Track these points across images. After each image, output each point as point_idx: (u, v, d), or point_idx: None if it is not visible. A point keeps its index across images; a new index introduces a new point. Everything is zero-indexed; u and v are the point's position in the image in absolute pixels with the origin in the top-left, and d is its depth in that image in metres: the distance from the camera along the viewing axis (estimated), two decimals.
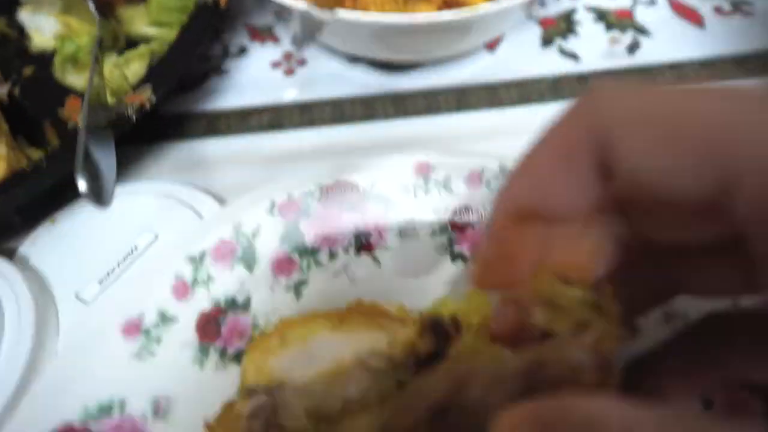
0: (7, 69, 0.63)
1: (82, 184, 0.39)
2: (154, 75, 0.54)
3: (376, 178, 0.47)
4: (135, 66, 0.62)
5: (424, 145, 0.60)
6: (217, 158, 0.61)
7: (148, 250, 0.51)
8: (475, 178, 0.47)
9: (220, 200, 0.56)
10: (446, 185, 0.47)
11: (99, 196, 0.40)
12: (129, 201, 0.54)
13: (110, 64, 0.62)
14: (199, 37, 0.57)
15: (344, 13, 0.54)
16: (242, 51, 0.71)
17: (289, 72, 0.68)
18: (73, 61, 0.63)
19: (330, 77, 0.67)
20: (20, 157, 0.53)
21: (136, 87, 0.53)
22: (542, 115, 0.29)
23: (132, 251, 0.51)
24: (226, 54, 0.70)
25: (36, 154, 0.56)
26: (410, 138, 0.61)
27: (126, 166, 0.58)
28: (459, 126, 0.62)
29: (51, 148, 0.56)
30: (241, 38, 0.72)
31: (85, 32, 0.66)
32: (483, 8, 0.54)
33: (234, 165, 0.60)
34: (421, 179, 0.47)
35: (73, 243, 0.52)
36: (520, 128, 0.55)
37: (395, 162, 0.48)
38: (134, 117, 0.51)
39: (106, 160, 0.43)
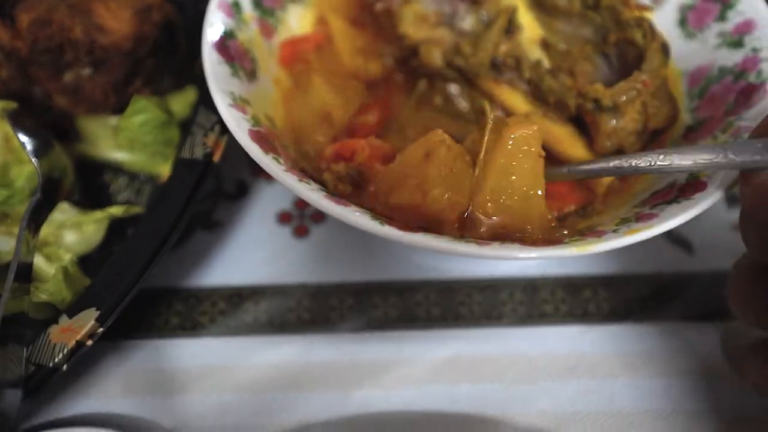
0: None
1: None
2: (104, 286, 0.37)
3: None
4: (90, 231, 0.44)
5: (481, 374, 0.43)
6: (191, 373, 0.43)
7: None
8: None
9: None
10: None
11: None
12: None
13: (53, 225, 0.44)
14: (179, 215, 0.40)
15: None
16: (241, 191, 0.53)
17: (301, 231, 0.51)
18: (3, 213, 0.45)
19: (356, 247, 0.49)
20: None
21: (76, 305, 0.36)
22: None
23: None
24: (219, 193, 0.53)
25: None
26: (461, 364, 0.44)
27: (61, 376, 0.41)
28: (530, 349, 0.45)
29: None
30: (241, 172, 0.54)
31: (27, 159, 0.48)
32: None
33: (212, 386, 0.43)
34: None
35: None
36: (617, 363, 0.39)
37: None
38: (64, 365, 0.34)
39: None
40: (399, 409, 0.43)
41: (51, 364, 0.33)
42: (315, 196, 0.36)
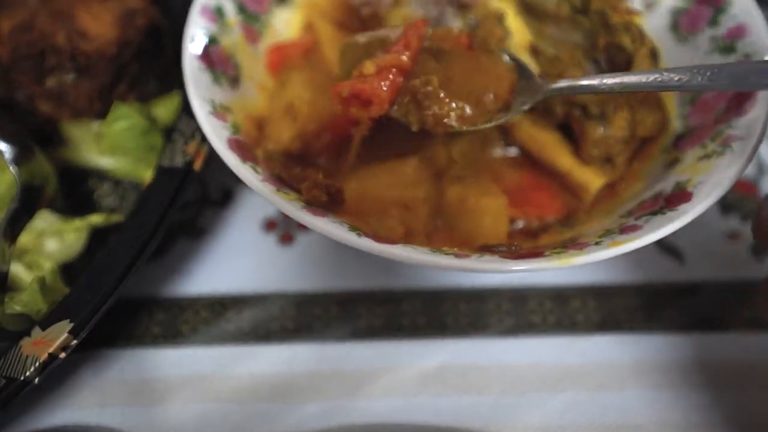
0: None
1: None
2: (78, 301, 0.36)
3: None
4: (70, 239, 0.44)
5: (466, 386, 0.43)
6: (171, 383, 0.43)
7: None
8: None
9: None
10: None
11: None
12: None
13: (33, 232, 0.44)
14: (158, 224, 0.39)
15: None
16: (226, 197, 0.52)
17: (286, 239, 0.50)
18: None
19: (342, 255, 0.48)
20: None
21: (50, 317, 0.35)
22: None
23: None
24: (204, 200, 0.52)
25: None
26: (446, 376, 0.43)
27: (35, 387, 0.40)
28: (516, 361, 0.44)
29: None
30: (225, 178, 0.53)
31: (7, 169, 0.48)
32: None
33: (192, 397, 0.42)
34: None
35: None
36: (605, 375, 0.40)
37: None
38: (36, 378, 0.33)
39: None
40: (383, 420, 0.42)
41: (22, 378, 0.33)
42: (290, 206, 0.36)
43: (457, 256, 0.34)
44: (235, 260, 0.49)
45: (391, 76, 0.38)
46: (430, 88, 0.37)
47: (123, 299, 0.46)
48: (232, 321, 0.45)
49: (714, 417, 0.42)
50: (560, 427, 0.42)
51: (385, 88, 0.37)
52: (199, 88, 0.41)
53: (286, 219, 0.51)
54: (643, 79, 0.37)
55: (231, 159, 0.37)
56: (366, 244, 0.34)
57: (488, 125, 0.39)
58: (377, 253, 0.34)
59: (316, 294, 0.47)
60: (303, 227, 0.50)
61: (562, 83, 0.40)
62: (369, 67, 0.38)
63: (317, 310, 0.46)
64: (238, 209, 0.51)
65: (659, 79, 0.37)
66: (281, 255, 0.49)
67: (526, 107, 0.40)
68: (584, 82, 0.39)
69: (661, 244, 0.49)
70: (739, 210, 0.51)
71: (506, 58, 0.41)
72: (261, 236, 0.50)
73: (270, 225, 0.51)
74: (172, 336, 0.45)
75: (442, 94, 0.38)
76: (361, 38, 0.42)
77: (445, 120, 0.38)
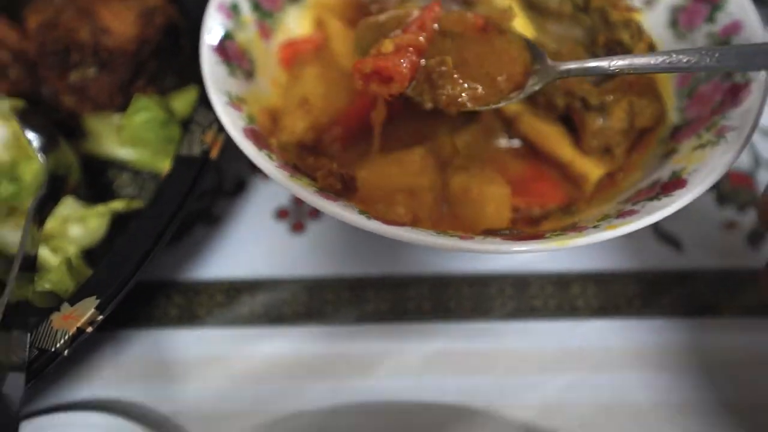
0: None
1: None
2: (103, 276, 0.38)
3: None
4: (93, 225, 0.46)
5: (470, 367, 0.45)
6: (189, 362, 0.45)
7: None
8: None
9: None
10: None
11: None
12: None
13: (58, 219, 0.46)
14: (178, 209, 0.41)
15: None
16: (240, 187, 0.55)
17: (298, 227, 0.52)
18: (11, 207, 0.47)
19: (351, 242, 0.51)
20: None
21: (77, 294, 0.38)
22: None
23: None
24: (219, 190, 0.55)
25: None
26: (451, 357, 0.45)
27: (57, 366, 0.41)
28: (518, 343, 0.46)
29: None
30: (239, 169, 0.56)
31: (34, 156, 0.50)
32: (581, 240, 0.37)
33: (209, 375, 0.44)
34: None
35: None
36: (603, 358, 0.42)
37: None
38: (65, 350, 0.35)
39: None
40: (389, 400, 0.44)
41: (53, 349, 0.35)
42: (305, 191, 0.38)
43: (461, 237, 0.36)
44: (248, 247, 0.51)
45: (408, 55, 0.39)
46: (444, 68, 0.39)
47: (142, 283, 0.48)
48: (246, 305, 0.48)
49: (708, 398, 0.43)
50: (559, 406, 0.43)
51: (405, 66, 0.38)
52: (216, 79, 0.43)
53: (297, 208, 0.53)
54: (652, 61, 0.38)
55: (247, 147, 0.39)
56: (375, 226, 0.36)
57: (500, 104, 0.40)
58: (385, 235, 0.36)
59: (326, 279, 0.49)
60: (314, 216, 0.52)
61: (572, 65, 0.41)
62: (388, 45, 0.39)
63: (327, 294, 0.48)
64: (251, 199, 0.54)
65: (668, 61, 0.38)
66: (293, 243, 0.51)
67: (537, 87, 0.40)
68: (593, 64, 0.40)
69: (660, 233, 0.51)
70: (735, 201, 0.52)
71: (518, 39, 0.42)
72: (273, 225, 0.52)
73: (282, 214, 0.53)
74: (189, 318, 0.47)
75: (456, 75, 0.39)
76: (381, 17, 0.43)
77: (459, 99, 0.39)
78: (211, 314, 0.47)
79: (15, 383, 0.33)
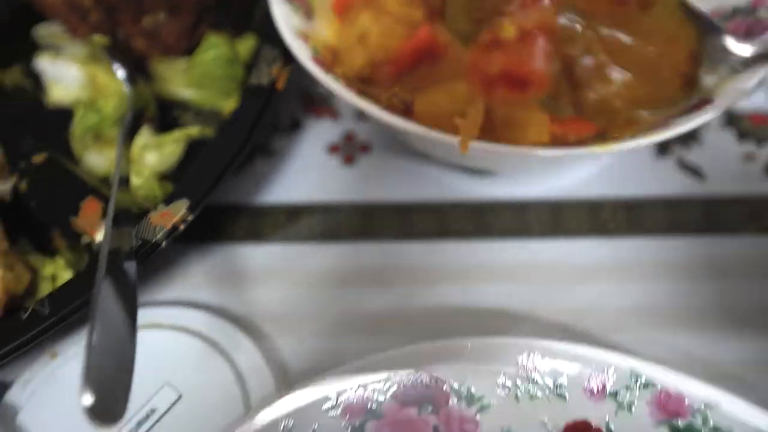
0: (16, 150, 0.52)
1: (87, 399, 0.29)
2: (192, 183, 0.43)
3: (466, 373, 0.37)
4: (168, 151, 0.51)
5: (510, 277, 0.49)
6: (257, 272, 0.50)
7: (170, 412, 0.41)
8: (598, 385, 0.36)
9: (259, 336, 0.46)
10: (559, 391, 0.36)
11: (108, 412, 0.30)
12: (146, 338, 0.44)
13: (137, 146, 0.51)
14: (250, 132, 0.46)
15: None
16: (294, 126, 0.59)
17: (349, 160, 0.57)
18: (95, 135, 0.52)
19: (398, 173, 0.55)
20: (20, 274, 0.43)
21: (169, 199, 0.43)
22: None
23: (149, 415, 0.41)
24: (275, 128, 0.60)
25: (40, 263, 0.46)
26: (492, 269, 0.50)
27: (142, 272, 0.48)
28: (554, 258, 0.51)
29: (57, 276, 0.46)
30: (294, 108, 0.61)
31: (111, 91, 0.55)
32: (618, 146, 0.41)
33: (276, 283, 0.50)
34: (527, 381, 0.36)
35: (74, 390, 0.42)
36: (632, 270, 0.46)
37: (494, 351, 0.37)
38: (164, 241, 0.41)
39: (120, 347, 0.32)
40: (437, 304, 0.49)
41: (153, 240, 0.40)
42: (371, 107, 0.42)
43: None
44: (304, 177, 0.56)
45: (540, 44, 0.26)
46: (590, 61, 0.27)
47: (213, 206, 0.53)
48: (305, 225, 0.52)
49: (724, 302, 0.48)
50: (592, 310, 0.48)
51: (541, 64, 0.26)
52: (282, 13, 0.48)
53: (347, 144, 0.58)
54: None
55: (316, 70, 0.44)
56: (426, 131, 0.41)
57: (670, 112, 0.29)
58: (432, 140, 0.41)
59: (376, 204, 0.54)
60: (363, 150, 0.57)
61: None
62: (509, 29, 0.28)
63: (377, 217, 0.53)
64: (304, 136, 0.58)
65: None
66: (344, 173, 0.56)
67: (714, 81, 0.28)
68: None
69: (684, 165, 0.55)
70: (755, 136, 0.57)
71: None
72: (326, 158, 0.57)
73: (333, 149, 0.58)
74: (255, 236, 0.52)
75: (607, 68, 0.27)
76: None
77: (614, 104, 0.28)
78: (274, 233, 0.52)
79: (131, 270, 0.38)
